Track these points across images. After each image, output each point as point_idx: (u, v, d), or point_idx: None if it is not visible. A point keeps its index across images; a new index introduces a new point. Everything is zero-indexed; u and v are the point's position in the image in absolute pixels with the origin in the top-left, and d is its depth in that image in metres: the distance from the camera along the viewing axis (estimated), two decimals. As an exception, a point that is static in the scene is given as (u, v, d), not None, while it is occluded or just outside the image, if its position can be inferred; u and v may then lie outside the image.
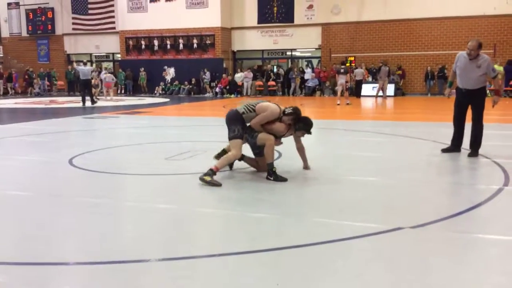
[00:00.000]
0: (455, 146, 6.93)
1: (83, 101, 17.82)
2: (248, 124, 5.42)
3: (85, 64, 19.44)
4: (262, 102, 5.45)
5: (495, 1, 21.26)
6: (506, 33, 21.73)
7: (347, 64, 23.52)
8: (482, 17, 21.71)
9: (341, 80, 17.89)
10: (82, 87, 18.35)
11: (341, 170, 5.88)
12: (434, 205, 4.37)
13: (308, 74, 24.24)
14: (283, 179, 5.18)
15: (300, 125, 5.46)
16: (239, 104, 5.55)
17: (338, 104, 17.18)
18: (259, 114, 5.31)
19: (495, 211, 4.21)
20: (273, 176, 5.21)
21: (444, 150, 6.95)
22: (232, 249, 3.27)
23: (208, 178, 5.02)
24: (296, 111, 5.40)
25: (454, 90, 7.07)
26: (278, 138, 5.46)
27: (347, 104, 17.25)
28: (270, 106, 5.36)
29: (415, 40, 23.06)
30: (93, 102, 18.04)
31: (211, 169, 5.09)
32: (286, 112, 5.38)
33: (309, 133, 5.55)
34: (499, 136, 8.46)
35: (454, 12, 21.86)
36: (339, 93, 17.96)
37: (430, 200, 4.57)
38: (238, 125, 5.34)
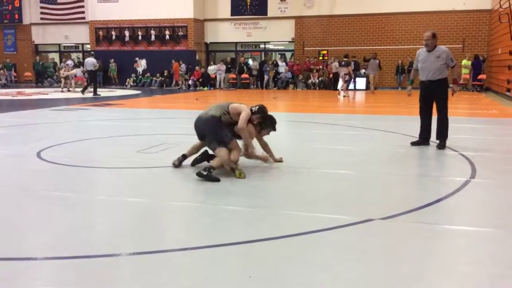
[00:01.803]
0: (423, 139, 7.08)
1: (94, 90, 18.53)
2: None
3: (92, 55, 19.46)
4: (232, 104, 5.33)
5: (464, -3, 21.74)
6: (475, 28, 22.23)
7: (321, 57, 23.68)
8: (451, 12, 22.15)
9: (341, 72, 18.28)
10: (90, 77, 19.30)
11: (314, 163, 5.93)
12: (404, 197, 4.46)
13: (282, 67, 24.28)
14: (216, 179, 4.89)
15: (267, 123, 5.48)
16: (207, 109, 5.41)
17: (344, 96, 17.76)
18: (240, 117, 5.16)
19: (462, 203, 4.32)
20: (207, 173, 4.88)
21: (413, 143, 7.09)
22: (204, 242, 3.26)
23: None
24: (263, 109, 5.40)
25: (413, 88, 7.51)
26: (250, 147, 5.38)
27: (344, 96, 17.73)
28: (242, 105, 5.30)
29: (386, 35, 23.36)
30: (95, 93, 18.48)
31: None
32: (253, 111, 5.34)
33: (274, 130, 5.59)
34: (466, 129, 8.66)
35: (425, 7, 22.24)
36: (339, 86, 18.38)
37: (399, 192, 4.66)
38: (225, 130, 5.18)
